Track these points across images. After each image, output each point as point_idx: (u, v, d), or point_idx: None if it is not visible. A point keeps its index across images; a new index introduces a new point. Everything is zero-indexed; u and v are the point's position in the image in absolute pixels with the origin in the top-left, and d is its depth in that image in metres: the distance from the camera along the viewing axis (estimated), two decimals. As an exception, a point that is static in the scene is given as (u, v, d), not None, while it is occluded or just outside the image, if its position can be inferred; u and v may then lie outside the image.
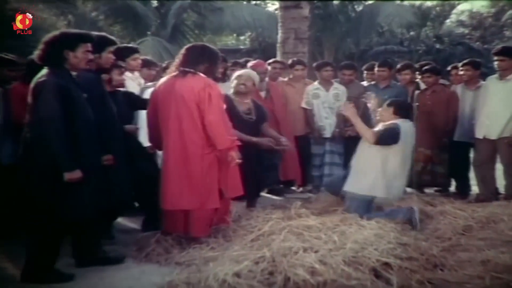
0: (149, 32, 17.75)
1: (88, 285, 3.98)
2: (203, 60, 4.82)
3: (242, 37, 23.06)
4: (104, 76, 4.91)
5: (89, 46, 4.11)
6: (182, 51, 4.94)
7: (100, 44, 4.50)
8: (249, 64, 7.25)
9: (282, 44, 10.50)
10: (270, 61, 7.64)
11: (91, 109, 4.10)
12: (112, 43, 4.72)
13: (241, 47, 21.57)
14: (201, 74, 4.75)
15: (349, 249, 3.98)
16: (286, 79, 7.57)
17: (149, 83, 6.33)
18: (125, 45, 6.48)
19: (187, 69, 4.76)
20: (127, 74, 5.93)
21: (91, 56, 4.17)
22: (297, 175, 7.24)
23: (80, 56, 4.04)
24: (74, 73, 4.09)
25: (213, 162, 4.77)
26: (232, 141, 4.73)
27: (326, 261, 3.80)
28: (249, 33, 21.09)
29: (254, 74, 5.97)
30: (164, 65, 7.18)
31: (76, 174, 3.85)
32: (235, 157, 4.74)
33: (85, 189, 3.94)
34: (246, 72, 5.95)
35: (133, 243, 4.82)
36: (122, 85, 5.26)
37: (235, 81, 5.83)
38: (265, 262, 3.85)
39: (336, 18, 18.13)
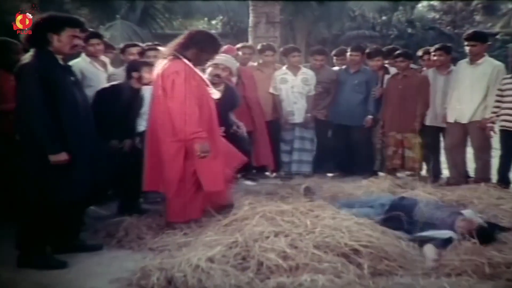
0: (118, 16, 17.50)
1: (60, 272, 3.92)
2: (192, 45, 4.78)
3: (213, 21, 22.86)
4: (135, 74, 5.12)
5: (76, 31, 4.04)
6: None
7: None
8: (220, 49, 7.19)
9: (253, 28, 10.42)
10: (239, 45, 7.55)
11: (80, 92, 4.10)
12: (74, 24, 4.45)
13: (213, 31, 21.37)
14: (184, 60, 4.70)
15: (319, 233, 3.98)
16: (255, 64, 7.51)
17: (117, 70, 6.18)
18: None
19: (174, 53, 4.75)
20: (85, 58, 5.82)
21: (76, 42, 4.08)
22: (270, 161, 7.22)
23: (64, 40, 3.96)
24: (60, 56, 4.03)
25: (179, 151, 4.69)
26: (192, 133, 4.56)
27: (297, 245, 3.81)
28: (221, 17, 20.93)
29: (232, 62, 5.85)
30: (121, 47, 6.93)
31: (61, 156, 3.85)
32: (197, 150, 4.59)
33: (76, 171, 3.93)
34: (223, 61, 5.74)
35: (103, 229, 4.76)
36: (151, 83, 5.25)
37: (210, 69, 5.70)
38: (238, 247, 3.85)
39: (308, 2, 18.08)
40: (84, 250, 4.31)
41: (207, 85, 4.92)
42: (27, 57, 3.93)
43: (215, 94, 4.93)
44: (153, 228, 4.70)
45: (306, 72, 7.29)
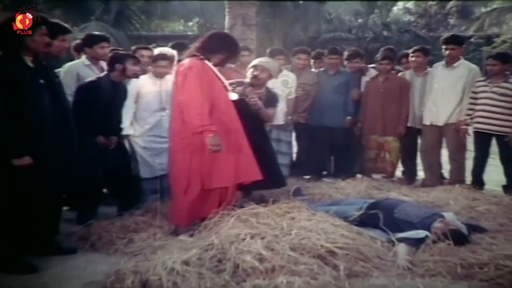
0: (92, 17, 17.36)
1: (34, 276, 3.87)
2: (222, 49, 4.82)
3: (190, 23, 22.84)
4: (119, 66, 5.01)
5: (44, 29, 3.99)
6: (204, 36, 4.91)
7: (53, 32, 4.40)
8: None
9: (229, 30, 10.29)
10: None
11: (53, 94, 4.03)
12: (66, 31, 4.56)
13: (189, 33, 21.28)
14: (205, 60, 4.72)
15: (295, 235, 3.98)
16: (233, 66, 7.46)
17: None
18: (94, 32, 6.34)
19: (194, 53, 4.74)
20: (84, 61, 5.75)
21: (47, 39, 4.05)
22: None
23: (38, 40, 3.92)
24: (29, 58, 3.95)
25: (187, 148, 4.65)
26: (200, 126, 4.50)
27: (273, 247, 3.80)
28: (197, 19, 20.90)
29: (272, 65, 5.76)
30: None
31: (25, 160, 3.79)
32: (208, 143, 4.51)
33: (43, 174, 3.89)
34: (263, 62, 5.66)
35: (77, 232, 4.70)
36: (136, 76, 5.16)
37: (250, 70, 5.62)
38: (214, 249, 3.83)
39: (285, 4, 18.13)
40: (59, 253, 4.26)
41: (225, 87, 4.89)
42: None
43: (233, 96, 4.94)
44: (128, 231, 4.65)
45: (287, 75, 7.23)
